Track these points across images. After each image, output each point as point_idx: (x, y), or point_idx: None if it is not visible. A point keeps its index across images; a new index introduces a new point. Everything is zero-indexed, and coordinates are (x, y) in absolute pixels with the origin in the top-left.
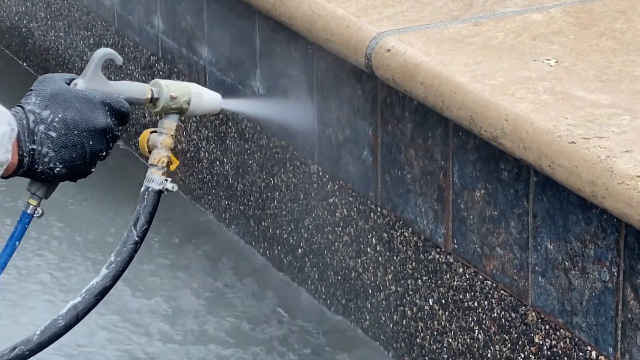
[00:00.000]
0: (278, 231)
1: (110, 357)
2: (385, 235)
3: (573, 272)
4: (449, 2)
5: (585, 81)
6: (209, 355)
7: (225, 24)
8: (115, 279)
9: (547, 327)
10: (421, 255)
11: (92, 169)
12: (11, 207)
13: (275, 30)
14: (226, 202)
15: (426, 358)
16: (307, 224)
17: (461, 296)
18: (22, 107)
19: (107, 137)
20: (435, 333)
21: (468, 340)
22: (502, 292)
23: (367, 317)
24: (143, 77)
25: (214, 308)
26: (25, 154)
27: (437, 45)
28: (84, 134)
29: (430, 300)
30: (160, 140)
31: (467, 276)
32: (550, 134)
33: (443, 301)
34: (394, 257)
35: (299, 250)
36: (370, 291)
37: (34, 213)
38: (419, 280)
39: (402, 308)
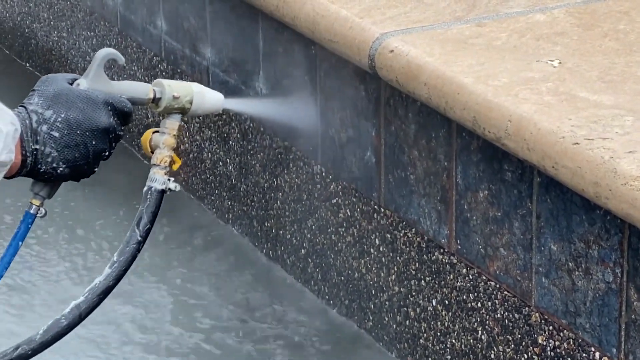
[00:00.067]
0: (281, 232)
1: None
2: (389, 235)
3: (577, 273)
4: (452, 3)
5: (588, 82)
6: (210, 355)
7: (228, 24)
8: (118, 278)
9: (551, 327)
10: (424, 255)
11: (95, 169)
12: (9, 205)
13: (278, 30)
14: (229, 202)
15: (429, 359)
16: (310, 224)
17: (464, 297)
18: (24, 107)
19: (110, 137)
20: (439, 334)
21: (471, 340)
22: (505, 292)
23: (371, 318)
24: (146, 78)
25: (216, 308)
26: (28, 154)
27: (441, 46)
28: (87, 133)
29: (433, 300)
30: (162, 140)
31: (471, 277)
32: (553, 135)
33: (446, 302)
34: (398, 258)
35: (302, 250)
36: (373, 292)
37: (37, 213)
38: (423, 281)
39: (405, 309)
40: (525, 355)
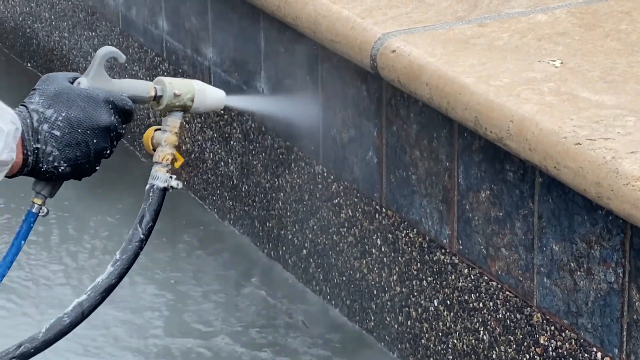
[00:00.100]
0: (283, 232)
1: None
2: (390, 236)
3: (578, 273)
4: (454, 3)
5: (590, 82)
6: (212, 355)
7: (229, 24)
8: (120, 276)
9: (553, 328)
10: (426, 256)
11: (97, 167)
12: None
13: (279, 31)
14: (231, 202)
15: (431, 359)
16: (312, 224)
17: (466, 297)
18: (25, 106)
19: (111, 135)
20: (440, 334)
21: (473, 341)
22: (507, 293)
23: (372, 318)
24: (147, 78)
25: (218, 308)
26: (29, 153)
27: (442, 46)
28: (88, 132)
29: (435, 301)
30: (164, 138)
31: (472, 277)
32: (555, 135)
33: (448, 302)
34: (399, 258)
35: (304, 250)
36: (375, 292)
37: (39, 212)
38: (424, 281)
39: (407, 309)
40: (527, 356)
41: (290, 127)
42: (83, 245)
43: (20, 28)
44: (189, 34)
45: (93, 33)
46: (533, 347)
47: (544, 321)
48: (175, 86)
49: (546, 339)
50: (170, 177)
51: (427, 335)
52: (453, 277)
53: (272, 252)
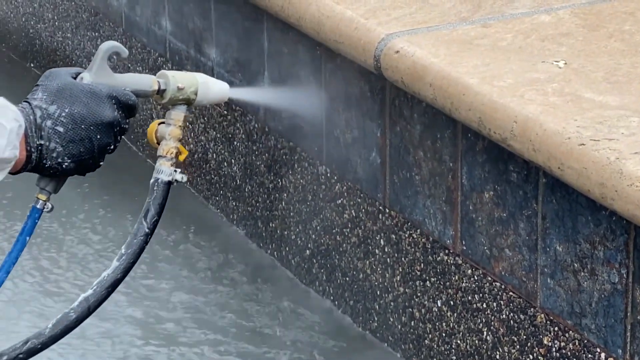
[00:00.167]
0: (286, 232)
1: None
2: (394, 236)
3: (582, 273)
4: (458, 4)
5: (594, 83)
6: (215, 355)
7: (233, 25)
8: (126, 271)
9: (556, 328)
10: (429, 256)
11: (101, 163)
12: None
13: (283, 31)
14: (234, 203)
15: (434, 359)
16: (315, 225)
17: (470, 297)
18: (28, 102)
19: (115, 131)
20: (444, 334)
21: (476, 341)
22: (510, 293)
23: (376, 319)
24: None
25: (220, 309)
26: (33, 150)
27: (446, 46)
28: (92, 128)
29: (438, 301)
30: (168, 132)
31: (476, 278)
32: (559, 136)
33: (451, 302)
34: (402, 259)
35: (307, 251)
36: (378, 292)
37: (44, 208)
38: (428, 282)
39: (410, 309)
40: (531, 356)
41: (293, 126)
42: (86, 244)
43: (24, 28)
44: (192, 34)
45: (96, 33)
46: (537, 348)
47: (548, 322)
48: (179, 79)
49: (550, 339)
50: (175, 171)
51: (430, 335)
52: (456, 277)
53: (275, 253)
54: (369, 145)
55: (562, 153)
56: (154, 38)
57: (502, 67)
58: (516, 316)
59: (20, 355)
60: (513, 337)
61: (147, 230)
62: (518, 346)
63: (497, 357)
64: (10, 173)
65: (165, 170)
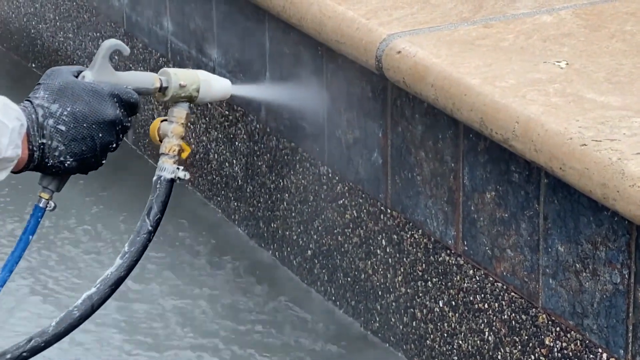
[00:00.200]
0: (288, 233)
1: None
2: (395, 237)
3: (584, 274)
4: (459, 4)
5: (595, 83)
6: (215, 357)
7: (234, 25)
8: (129, 269)
9: (558, 329)
10: (431, 257)
11: (103, 161)
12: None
13: (285, 32)
14: (235, 203)
15: None
16: (316, 225)
17: (471, 298)
18: (30, 101)
19: (117, 129)
20: (445, 335)
21: (478, 342)
22: (512, 294)
23: (377, 319)
24: None
25: (222, 309)
26: (35, 149)
27: (448, 47)
28: (94, 126)
29: (440, 302)
30: (170, 129)
31: (478, 278)
32: (561, 136)
33: (453, 303)
34: (404, 259)
35: (309, 251)
36: (380, 293)
37: (47, 206)
38: (429, 282)
39: (412, 310)
40: (533, 357)
41: (295, 126)
42: (89, 244)
43: (25, 29)
44: (193, 34)
45: (97, 34)
46: (538, 348)
47: (550, 322)
48: (181, 77)
49: (551, 340)
50: (178, 168)
51: (432, 336)
52: (458, 278)
53: (276, 253)
54: (370, 146)
55: (563, 153)
56: (155, 38)
57: (504, 68)
58: (518, 316)
59: (24, 354)
60: (515, 337)
61: (150, 228)
62: (520, 347)
63: (499, 357)
64: (13, 172)
65: (167, 168)
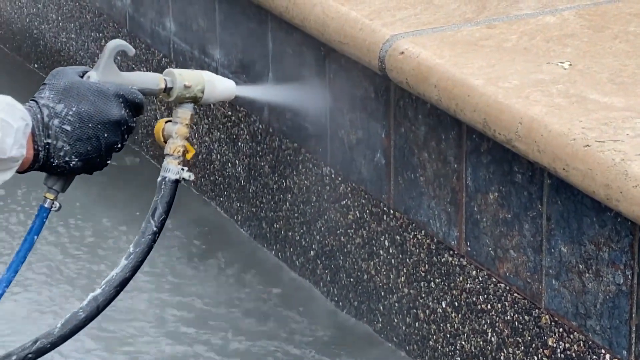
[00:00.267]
0: (290, 233)
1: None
2: (398, 237)
3: (587, 275)
4: (462, 5)
5: (599, 84)
6: (217, 356)
7: (237, 26)
8: (134, 269)
9: (561, 329)
10: (434, 257)
11: (108, 161)
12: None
13: (287, 32)
14: (238, 204)
15: None
16: (319, 226)
17: (474, 299)
18: (36, 101)
19: (122, 129)
20: (448, 335)
21: (481, 342)
22: (515, 294)
23: (380, 320)
24: None
25: (225, 310)
26: (40, 149)
27: (451, 47)
28: (99, 126)
29: (443, 302)
30: (175, 130)
31: (481, 279)
32: (564, 137)
33: (456, 304)
34: (407, 260)
35: (312, 252)
36: (382, 293)
37: (52, 207)
38: (432, 283)
39: (414, 310)
40: (535, 358)
41: (297, 127)
42: (92, 244)
43: (27, 29)
44: (196, 35)
45: (100, 34)
46: (541, 349)
47: (553, 323)
48: (185, 77)
49: (554, 340)
50: (182, 169)
51: (435, 336)
52: (461, 278)
53: (279, 254)
54: (373, 146)
55: (567, 154)
56: (158, 39)
57: (507, 68)
58: (521, 317)
59: (30, 355)
60: (518, 338)
61: (155, 228)
62: (523, 347)
63: (502, 358)
64: (18, 172)
65: (172, 169)
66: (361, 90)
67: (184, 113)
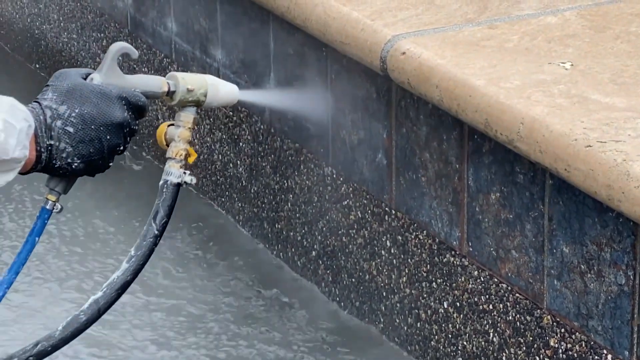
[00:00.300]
0: (292, 233)
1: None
2: (400, 238)
3: (589, 275)
4: (464, 5)
5: (600, 84)
6: (220, 355)
7: (238, 26)
8: (135, 273)
9: (563, 330)
10: (436, 258)
11: (110, 164)
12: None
13: (289, 32)
14: (239, 204)
15: None
16: (321, 226)
17: (476, 299)
18: (38, 102)
19: (125, 132)
20: (450, 336)
21: (483, 343)
22: (517, 295)
23: (382, 320)
24: None
25: (224, 310)
26: (42, 150)
27: (452, 48)
28: (101, 128)
29: (444, 303)
30: (177, 133)
31: (482, 279)
32: (566, 138)
33: (458, 304)
34: (409, 260)
35: (313, 252)
36: (384, 294)
37: (53, 208)
38: (434, 283)
39: (416, 311)
40: (537, 358)
41: (299, 127)
42: (93, 246)
43: (29, 29)
44: (198, 35)
45: (102, 34)
46: (543, 350)
47: (554, 323)
48: (188, 81)
49: (556, 341)
50: (184, 173)
51: (436, 337)
52: (463, 279)
53: (281, 254)
54: (375, 147)
55: (568, 155)
56: (159, 39)
57: (509, 69)
58: (522, 318)
59: (31, 358)
60: (519, 338)
61: (156, 232)
62: (524, 348)
63: (504, 358)
64: (20, 173)
65: (174, 172)
66: (363, 90)
67: (187, 117)
